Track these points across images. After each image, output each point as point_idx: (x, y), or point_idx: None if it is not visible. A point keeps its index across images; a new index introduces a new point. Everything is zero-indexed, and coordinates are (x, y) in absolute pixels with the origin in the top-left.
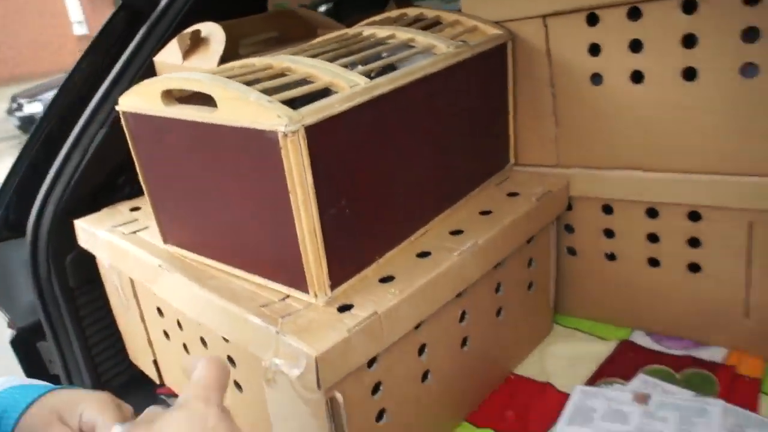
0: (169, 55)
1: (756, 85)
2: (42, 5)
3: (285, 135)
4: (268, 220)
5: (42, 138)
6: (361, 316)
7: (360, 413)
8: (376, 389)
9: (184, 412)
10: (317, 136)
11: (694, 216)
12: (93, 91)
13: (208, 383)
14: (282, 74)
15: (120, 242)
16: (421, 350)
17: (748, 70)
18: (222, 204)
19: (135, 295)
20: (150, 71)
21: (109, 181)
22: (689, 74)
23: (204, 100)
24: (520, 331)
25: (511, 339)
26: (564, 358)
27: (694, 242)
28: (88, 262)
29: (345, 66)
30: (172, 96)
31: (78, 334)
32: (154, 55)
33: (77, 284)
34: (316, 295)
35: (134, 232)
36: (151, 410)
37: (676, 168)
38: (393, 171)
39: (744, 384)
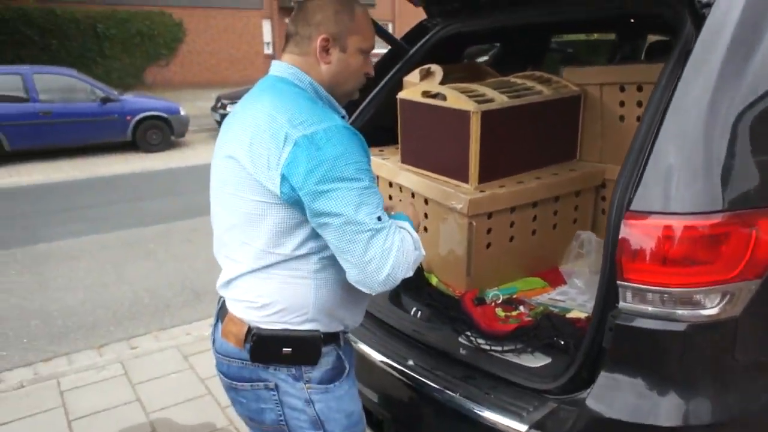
0: (412, 77)
1: None
2: (243, 27)
3: (474, 113)
4: (456, 150)
5: None
6: (490, 192)
7: (480, 239)
8: (489, 231)
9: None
10: (484, 116)
11: None
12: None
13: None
14: (471, 90)
15: (378, 160)
16: (512, 225)
17: None
18: (437, 142)
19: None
20: (399, 83)
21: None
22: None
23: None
24: (566, 244)
25: (560, 246)
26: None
27: None
28: None
29: (500, 91)
30: (426, 94)
31: None
32: (405, 75)
33: None
34: (472, 185)
35: (383, 158)
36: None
37: None
38: (512, 141)
39: None
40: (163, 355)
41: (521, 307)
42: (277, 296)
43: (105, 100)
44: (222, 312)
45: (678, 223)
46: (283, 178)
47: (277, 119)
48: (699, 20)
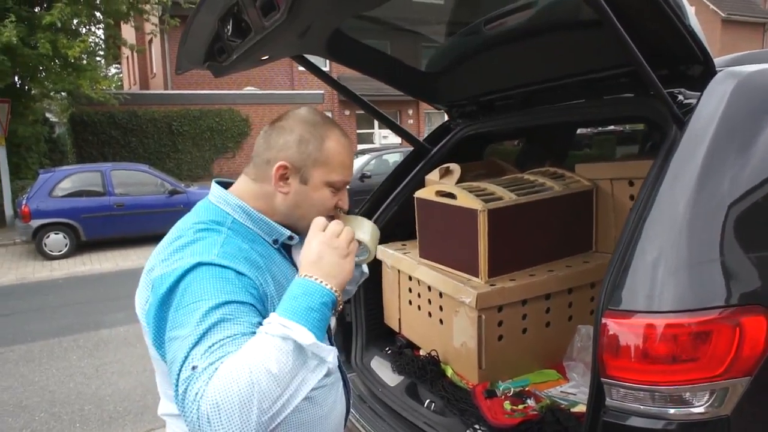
0: (433, 175)
1: None
2: None
3: (481, 211)
4: (467, 246)
5: (378, 191)
6: (499, 286)
7: (491, 331)
8: (500, 323)
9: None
10: (491, 214)
11: None
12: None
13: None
14: (481, 189)
15: (398, 254)
16: (524, 317)
17: None
18: (450, 238)
19: (398, 282)
20: (422, 181)
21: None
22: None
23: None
24: None
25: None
26: None
27: None
28: (376, 266)
29: (509, 189)
30: (439, 193)
31: (362, 301)
32: (427, 173)
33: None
34: (482, 279)
35: (404, 252)
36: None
37: None
38: (522, 236)
39: None
40: None
41: (529, 401)
42: None
43: (172, 192)
44: None
45: (660, 322)
46: (148, 326)
47: (158, 253)
48: (681, 123)
